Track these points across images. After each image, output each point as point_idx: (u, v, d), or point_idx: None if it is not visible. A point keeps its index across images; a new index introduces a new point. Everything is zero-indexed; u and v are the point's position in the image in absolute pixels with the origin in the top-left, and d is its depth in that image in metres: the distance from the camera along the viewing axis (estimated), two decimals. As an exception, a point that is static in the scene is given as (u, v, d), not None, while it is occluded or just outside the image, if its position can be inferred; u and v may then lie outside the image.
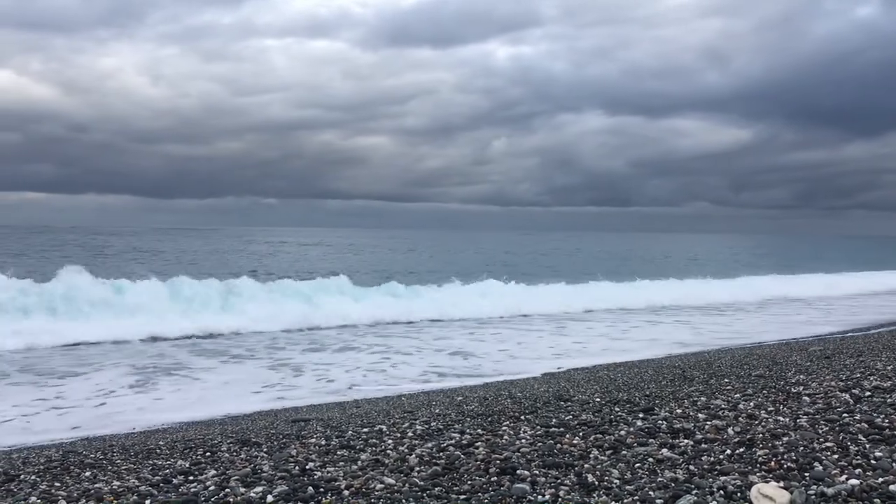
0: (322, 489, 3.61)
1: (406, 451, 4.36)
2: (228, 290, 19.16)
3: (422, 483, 3.62)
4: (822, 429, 4.21)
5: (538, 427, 4.81)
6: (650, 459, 3.80)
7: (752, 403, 5.15)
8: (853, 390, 5.36)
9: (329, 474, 3.89)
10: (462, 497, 3.40)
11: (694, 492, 3.24)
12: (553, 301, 20.50)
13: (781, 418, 4.56)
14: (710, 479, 3.40)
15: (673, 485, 3.37)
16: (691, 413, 4.93)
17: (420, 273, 32.75)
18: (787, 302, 23.73)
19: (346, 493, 3.55)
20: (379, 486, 3.61)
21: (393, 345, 13.97)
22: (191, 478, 4.13)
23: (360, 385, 10.00)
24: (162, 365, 11.60)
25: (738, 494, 3.18)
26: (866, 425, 4.18)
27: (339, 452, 4.51)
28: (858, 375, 6.22)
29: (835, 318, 18.59)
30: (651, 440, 4.22)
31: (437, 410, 6.41)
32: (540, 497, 3.32)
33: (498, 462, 3.90)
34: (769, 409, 4.92)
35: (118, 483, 4.16)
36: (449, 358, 12.46)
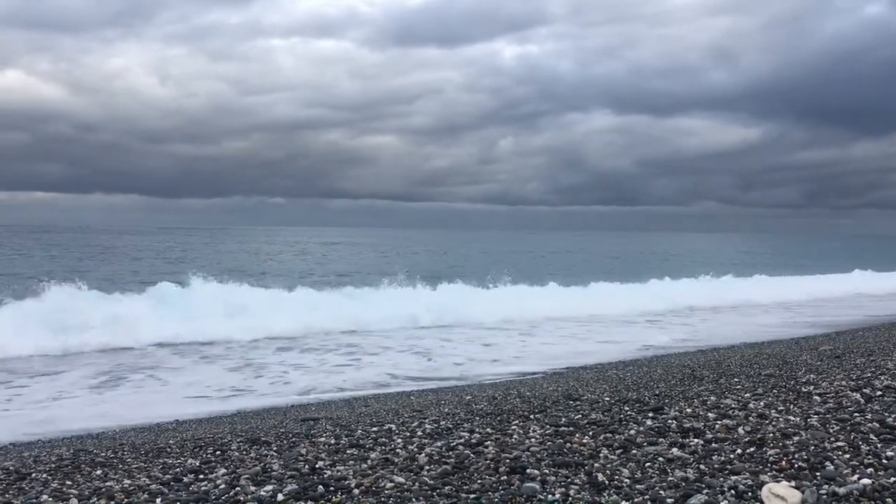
0: (332, 488, 3.62)
1: (415, 449, 4.37)
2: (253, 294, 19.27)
3: (432, 482, 3.63)
4: (833, 428, 4.19)
5: (548, 426, 4.81)
6: (660, 459, 3.80)
7: (762, 403, 5.14)
8: (864, 390, 5.34)
9: (339, 473, 3.90)
10: (472, 496, 3.40)
11: (705, 491, 3.23)
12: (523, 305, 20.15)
13: (792, 418, 4.55)
14: (721, 479, 3.39)
15: (683, 484, 3.36)
16: (701, 412, 4.92)
17: (443, 273, 32.61)
18: (763, 304, 23.16)
19: (356, 491, 3.55)
20: (389, 484, 3.62)
21: (364, 345, 14.03)
22: (201, 476, 4.14)
23: (316, 388, 10.03)
24: (135, 367, 11.65)
25: (749, 494, 3.17)
26: (877, 425, 4.16)
27: (348, 451, 4.52)
28: (869, 375, 6.19)
29: (800, 320, 18.46)
30: (661, 439, 4.21)
31: (446, 409, 6.41)
32: (550, 496, 3.32)
33: (508, 461, 3.89)
34: (780, 408, 4.90)
35: (129, 481, 4.18)
36: (415, 360, 12.51)
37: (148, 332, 14.13)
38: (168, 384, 10.49)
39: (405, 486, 3.57)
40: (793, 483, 3.24)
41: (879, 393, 5.18)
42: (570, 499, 3.28)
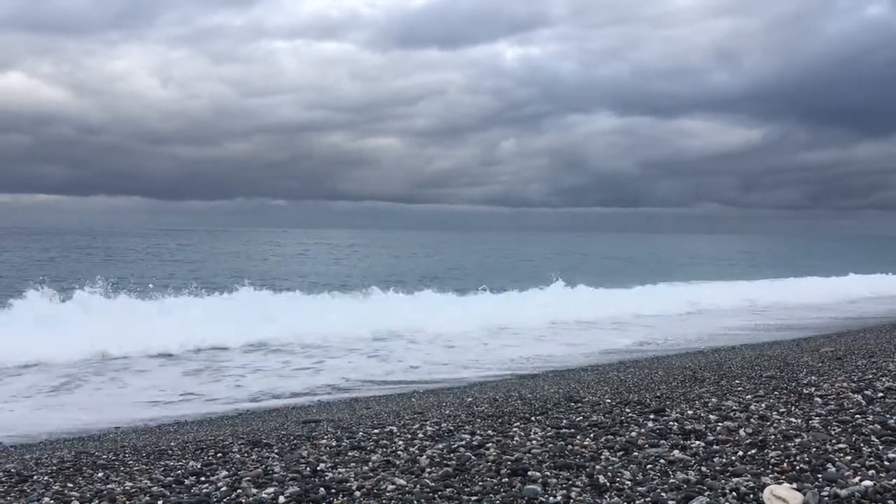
0: (333, 490, 3.62)
1: (417, 452, 4.37)
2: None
3: (433, 484, 3.63)
4: (834, 430, 4.19)
5: (549, 428, 4.80)
6: (662, 461, 3.79)
7: (763, 405, 5.13)
8: (865, 391, 5.33)
9: (340, 475, 3.90)
10: (473, 498, 3.40)
11: (706, 493, 3.23)
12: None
13: (793, 419, 4.54)
14: (723, 481, 3.39)
15: (685, 486, 3.36)
16: (702, 414, 4.91)
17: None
18: (736, 308, 22.85)
19: (357, 493, 3.55)
20: (390, 486, 3.61)
21: (333, 348, 14.06)
22: (202, 479, 4.14)
23: (268, 392, 10.01)
24: (101, 370, 11.58)
25: (751, 496, 3.17)
26: (879, 426, 4.15)
27: (350, 453, 4.52)
28: (871, 376, 6.18)
29: (766, 322, 18.49)
30: (662, 441, 4.21)
31: (447, 411, 6.41)
32: (552, 498, 3.32)
33: (509, 463, 3.89)
34: (781, 410, 4.90)
35: (130, 484, 4.18)
36: (375, 363, 12.54)
37: (133, 339, 13.60)
38: (127, 387, 10.45)
39: (406, 489, 3.57)
40: (794, 485, 3.24)
41: (881, 395, 5.17)
42: (572, 501, 3.28)
